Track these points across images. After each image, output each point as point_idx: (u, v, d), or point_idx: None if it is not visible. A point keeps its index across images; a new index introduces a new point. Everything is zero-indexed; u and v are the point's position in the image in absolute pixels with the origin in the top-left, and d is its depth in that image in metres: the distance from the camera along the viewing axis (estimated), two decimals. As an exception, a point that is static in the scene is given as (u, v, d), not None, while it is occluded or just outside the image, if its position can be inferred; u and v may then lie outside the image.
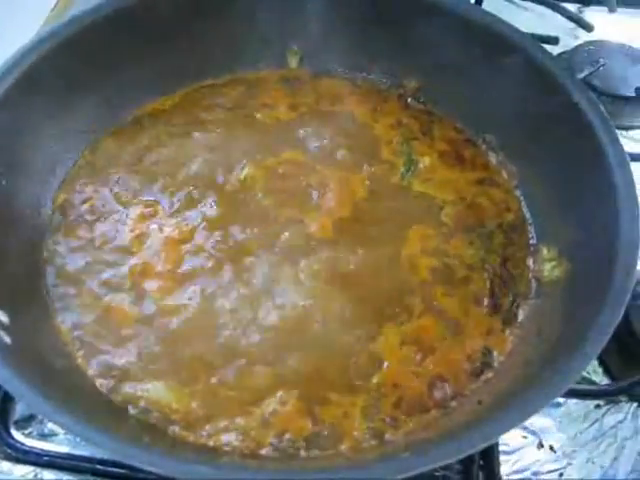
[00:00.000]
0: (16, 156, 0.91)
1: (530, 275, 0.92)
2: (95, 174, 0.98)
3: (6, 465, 0.85)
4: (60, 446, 0.87)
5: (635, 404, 0.97)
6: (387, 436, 0.78)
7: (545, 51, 0.97)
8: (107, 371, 0.81)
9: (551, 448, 0.94)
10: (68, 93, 0.97)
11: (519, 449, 0.93)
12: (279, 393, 0.80)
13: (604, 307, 0.74)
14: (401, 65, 1.10)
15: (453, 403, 0.81)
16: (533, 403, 0.68)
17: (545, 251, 0.92)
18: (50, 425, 0.88)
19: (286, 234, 0.92)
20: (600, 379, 0.97)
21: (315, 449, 0.77)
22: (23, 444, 0.86)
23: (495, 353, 0.85)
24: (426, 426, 0.79)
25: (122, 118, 1.05)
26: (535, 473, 0.91)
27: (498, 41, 1.00)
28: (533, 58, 0.97)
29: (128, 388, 0.80)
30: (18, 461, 0.85)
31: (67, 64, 0.96)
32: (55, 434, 0.88)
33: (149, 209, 0.95)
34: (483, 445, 0.65)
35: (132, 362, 0.82)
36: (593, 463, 0.93)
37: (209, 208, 0.95)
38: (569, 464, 0.93)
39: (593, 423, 0.95)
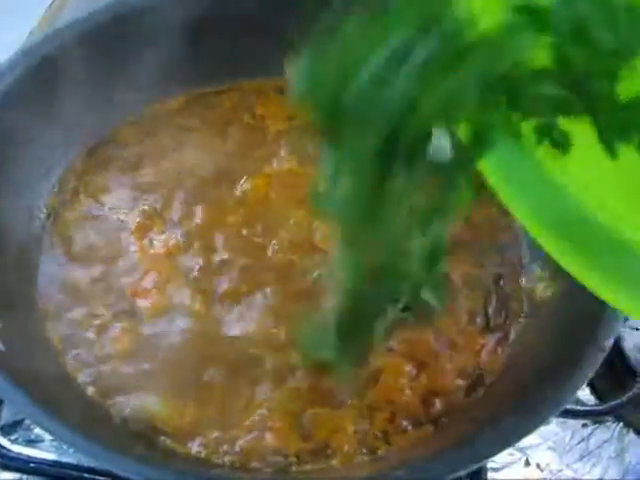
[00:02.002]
0: (7, 161, 0.90)
1: (523, 294, 0.92)
2: (89, 180, 0.98)
3: (-8, 472, 0.85)
4: (47, 453, 0.86)
5: (621, 424, 0.98)
6: (380, 452, 0.78)
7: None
8: (98, 381, 0.81)
9: (538, 466, 0.94)
10: (62, 96, 0.96)
11: (506, 466, 0.93)
12: (270, 407, 0.80)
13: (597, 329, 0.74)
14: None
15: (445, 419, 0.81)
16: (527, 424, 0.68)
17: (538, 270, 0.93)
18: (37, 431, 0.87)
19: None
20: (587, 398, 0.98)
21: (306, 464, 0.76)
22: (9, 450, 0.85)
23: (487, 371, 0.85)
24: (419, 442, 0.79)
25: (117, 123, 1.04)
26: (522, 491, 0.92)
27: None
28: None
29: (119, 398, 0.80)
30: (3, 468, 0.84)
31: (63, 67, 0.94)
32: (42, 440, 0.87)
33: (145, 219, 0.94)
34: (477, 465, 0.65)
35: (124, 372, 0.81)
36: (579, 482, 0.94)
37: (202, 219, 0.94)
38: (555, 482, 0.94)
39: (579, 442, 0.96)
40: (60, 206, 0.95)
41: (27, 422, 0.87)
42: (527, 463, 0.94)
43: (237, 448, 0.77)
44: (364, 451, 0.78)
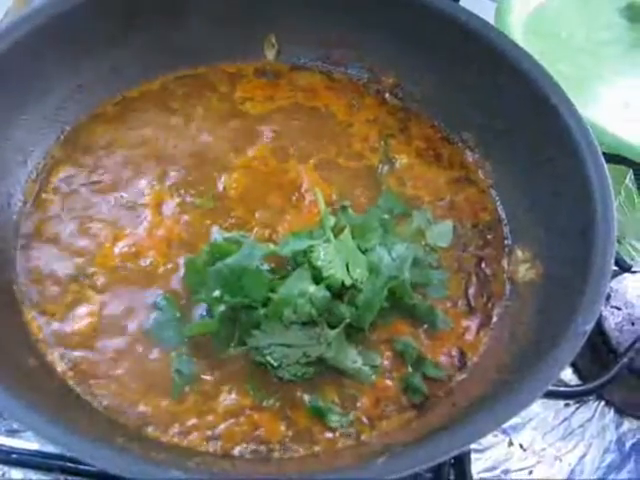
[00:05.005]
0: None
1: (505, 276, 0.92)
2: (68, 165, 0.96)
3: (-27, 464, 0.84)
4: (28, 442, 0.86)
5: (602, 403, 0.99)
6: (363, 437, 0.78)
7: (523, 51, 0.97)
8: (78, 370, 0.80)
9: (521, 446, 0.95)
10: (39, 79, 0.95)
11: (489, 447, 0.94)
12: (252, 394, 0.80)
13: (579, 312, 0.75)
14: (379, 60, 1.09)
15: (428, 404, 0.81)
16: (510, 407, 0.68)
17: (520, 253, 0.93)
18: (17, 421, 0.86)
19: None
20: (569, 378, 0.99)
21: (289, 451, 0.76)
22: (-10, 441, 0.85)
23: (469, 354, 0.86)
24: (401, 427, 0.79)
25: (96, 106, 1.02)
26: (505, 471, 0.93)
27: (476, 40, 1.00)
28: (511, 58, 0.97)
29: (99, 387, 0.79)
30: (-15, 459, 0.84)
31: (39, 49, 0.93)
32: (23, 430, 0.86)
33: (123, 204, 0.93)
34: (461, 449, 0.65)
35: (103, 360, 0.81)
36: (561, 461, 0.95)
37: (189, 204, 0.94)
38: (538, 462, 0.95)
39: (562, 422, 0.97)
40: (38, 191, 0.93)
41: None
42: (510, 443, 0.95)
43: (218, 436, 0.77)
44: (348, 436, 0.78)
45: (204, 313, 0.83)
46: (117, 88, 1.04)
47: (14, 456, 0.85)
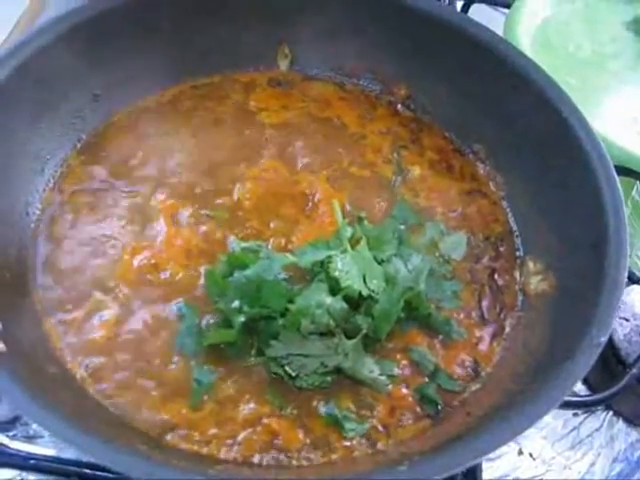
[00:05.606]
0: (2, 156, 0.89)
1: (517, 287, 0.93)
2: (84, 174, 0.97)
3: (-10, 469, 0.84)
4: (46, 448, 0.86)
5: (611, 412, 1.00)
6: (379, 445, 0.79)
7: (533, 63, 0.99)
8: (97, 378, 0.81)
9: (530, 455, 0.96)
10: (56, 88, 0.96)
11: (500, 456, 0.95)
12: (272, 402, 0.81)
13: (593, 324, 0.76)
14: (391, 72, 1.11)
15: (443, 413, 0.82)
16: (527, 418, 0.70)
17: (532, 264, 0.94)
18: (35, 426, 0.87)
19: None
20: (579, 388, 1.00)
21: (307, 459, 0.77)
22: (7, 447, 0.85)
23: (483, 364, 0.87)
24: (417, 436, 0.80)
25: (112, 115, 1.03)
26: (515, 480, 0.94)
27: (486, 52, 1.01)
28: (521, 70, 0.98)
29: (119, 395, 0.80)
30: (3, 465, 0.85)
31: (57, 58, 0.94)
32: (40, 436, 0.87)
33: (140, 214, 0.94)
34: (480, 458, 0.66)
35: (123, 369, 0.82)
36: (570, 469, 0.96)
37: (205, 214, 0.95)
38: (548, 471, 0.95)
39: (571, 431, 0.98)
40: (55, 200, 0.94)
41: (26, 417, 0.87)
42: (520, 452, 0.96)
43: (239, 444, 0.77)
44: (364, 444, 0.79)
45: (219, 322, 0.84)
46: (133, 97, 1.05)
47: (31, 461, 0.85)
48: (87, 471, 0.83)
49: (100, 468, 0.82)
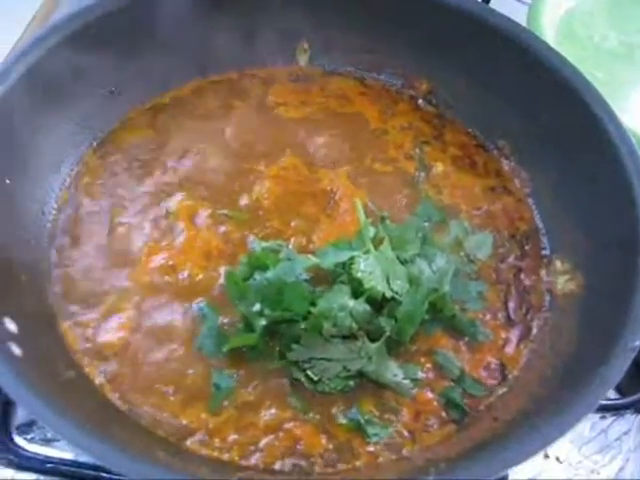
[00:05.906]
0: (19, 154, 0.87)
1: (543, 287, 0.91)
2: (101, 172, 0.95)
3: (8, 472, 0.83)
4: (63, 452, 0.85)
5: (639, 416, 0.98)
6: (404, 451, 0.77)
7: (559, 55, 0.96)
8: (115, 382, 0.80)
9: (557, 459, 0.94)
10: (71, 86, 0.94)
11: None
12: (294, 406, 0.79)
13: (627, 326, 0.74)
14: (412, 66, 1.08)
15: (468, 419, 0.80)
16: (558, 427, 0.68)
17: (559, 264, 0.91)
18: (52, 429, 0.86)
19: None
20: (607, 391, 0.97)
21: (330, 465, 0.76)
22: (25, 450, 0.84)
23: (509, 367, 0.84)
24: (442, 441, 0.78)
25: (128, 112, 1.01)
26: (542, 484, 0.92)
27: (509, 43, 0.98)
28: (546, 62, 0.96)
29: (137, 400, 0.78)
30: (19, 468, 0.83)
31: (72, 58, 0.92)
32: (58, 439, 0.86)
33: (158, 214, 0.92)
34: (507, 470, 0.64)
35: (141, 373, 0.80)
36: (598, 474, 0.94)
37: (224, 214, 0.93)
38: (575, 475, 0.93)
39: (598, 434, 0.96)
40: (72, 198, 0.93)
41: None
42: (546, 456, 0.94)
43: (261, 450, 0.76)
44: (389, 450, 0.77)
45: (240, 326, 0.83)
46: (149, 94, 1.03)
47: (49, 465, 0.84)
48: (104, 475, 0.82)
49: (117, 473, 0.80)
